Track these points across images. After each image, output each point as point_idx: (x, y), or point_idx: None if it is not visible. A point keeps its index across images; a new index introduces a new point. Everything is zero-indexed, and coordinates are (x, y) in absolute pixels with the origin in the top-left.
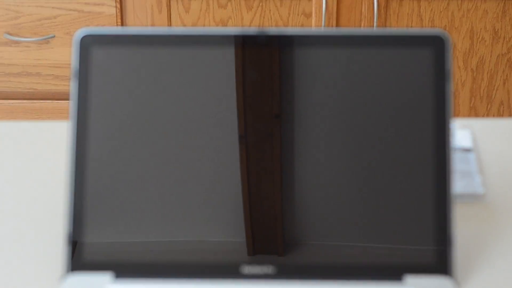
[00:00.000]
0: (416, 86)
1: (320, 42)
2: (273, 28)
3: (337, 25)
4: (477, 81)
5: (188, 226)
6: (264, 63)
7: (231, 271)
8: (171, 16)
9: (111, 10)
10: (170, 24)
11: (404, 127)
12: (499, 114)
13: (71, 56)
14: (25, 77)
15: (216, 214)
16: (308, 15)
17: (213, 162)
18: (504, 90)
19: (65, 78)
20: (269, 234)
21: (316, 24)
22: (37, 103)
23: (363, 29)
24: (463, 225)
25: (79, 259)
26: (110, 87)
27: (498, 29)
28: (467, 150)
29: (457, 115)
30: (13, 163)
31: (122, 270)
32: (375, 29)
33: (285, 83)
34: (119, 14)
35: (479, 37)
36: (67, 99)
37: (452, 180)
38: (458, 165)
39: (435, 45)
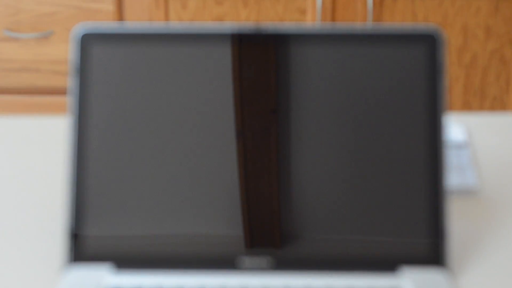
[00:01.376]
0: (411, 82)
1: (315, 39)
2: (269, 24)
3: (332, 22)
4: (471, 77)
5: (186, 219)
6: (260, 59)
7: (229, 263)
8: (169, 12)
9: (109, 6)
10: (167, 21)
11: (399, 122)
12: (493, 109)
13: (70, 52)
14: (24, 73)
15: (214, 207)
16: (303, 12)
17: (211, 157)
18: (497, 86)
19: (64, 74)
20: (266, 227)
21: (311, 21)
22: (37, 98)
23: (358, 27)
24: (458, 219)
25: (80, 251)
26: (108, 83)
27: (491, 26)
28: (461, 144)
29: (451, 110)
30: (13, 157)
31: (122, 262)
32: (369, 26)
33: (281, 79)
34: (117, 10)
35: (472, 34)
36: (66, 94)
37: (445, 173)
38: (452, 159)
39: (429, 42)
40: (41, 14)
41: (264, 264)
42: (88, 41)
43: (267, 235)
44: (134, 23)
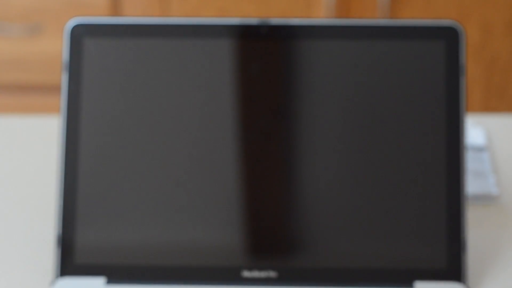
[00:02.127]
0: (427, 80)
1: (325, 33)
2: (276, 18)
3: (343, 16)
4: (490, 76)
5: (185, 228)
6: (266, 55)
7: (231, 276)
8: (168, 5)
9: None
10: (167, 14)
11: (415, 124)
12: None
13: (62, 48)
14: (13, 70)
15: (215, 215)
16: (311, 7)
17: (211, 161)
18: None
19: (55, 71)
20: (272, 237)
21: (321, 15)
22: (26, 97)
23: (371, 20)
24: (476, 228)
25: (70, 263)
26: (102, 80)
27: None
28: (480, 148)
29: (469, 111)
30: (0, 159)
31: (115, 275)
32: (383, 20)
33: (288, 77)
34: (112, 3)
35: (492, 30)
36: (58, 92)
37: (465, 180)
38: (471, 164)
39: (448, 37)
40: (30, 8)
41: (269, 277)
42: (80, 34)
43: (272, 246)
44: (130, 17)
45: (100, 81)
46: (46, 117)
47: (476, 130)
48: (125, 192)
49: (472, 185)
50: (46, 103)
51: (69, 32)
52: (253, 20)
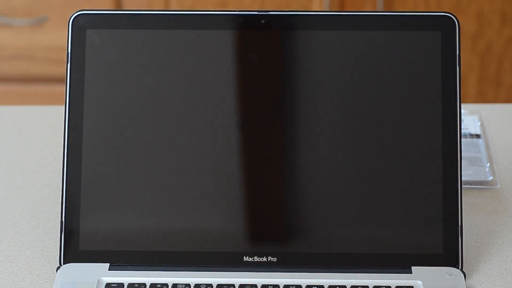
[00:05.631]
0: (424, 70)
1: (324, 24)
2: (275, 9)
3: (341, 7)
4: (486, 65)
5: (187, 214)
6: (266, 45)
7: (232, 260)
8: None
9: None
10: (167, 6)
11: (411, 113)
12: (508, 99)
13: (65, 39)
14: (18, 60)
15: (216, 202)
16: None
17: (213, 149)
18: None
19: (60, 61)
20: (272, 223)
21: (319, 7)
22: (31, 87)
23: (369, 11)
24: (471, 213)
25: (74, 249)
26: (105, 70)
27: (507, 12)
28: (475, 136)
29: (465, 100)
30: (6, 148)
31: (118, 260)
32: (381, 11)
33: (287, 66)
34: None
35: (487, 20)
36: (62, 82)
37: (461, 168)
38: (466, 151)
39: (444, 27)
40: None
41: (269, 261)
42: (83, 25)
43: (273, 232)
44: (132, 8)
45: (103, 71)
46: (50, 107)
47: (471, 118)
48: (128, 180)
49: (467, 171)
50: (51, 93)
51: (73, 23)
52: (252, 11)
